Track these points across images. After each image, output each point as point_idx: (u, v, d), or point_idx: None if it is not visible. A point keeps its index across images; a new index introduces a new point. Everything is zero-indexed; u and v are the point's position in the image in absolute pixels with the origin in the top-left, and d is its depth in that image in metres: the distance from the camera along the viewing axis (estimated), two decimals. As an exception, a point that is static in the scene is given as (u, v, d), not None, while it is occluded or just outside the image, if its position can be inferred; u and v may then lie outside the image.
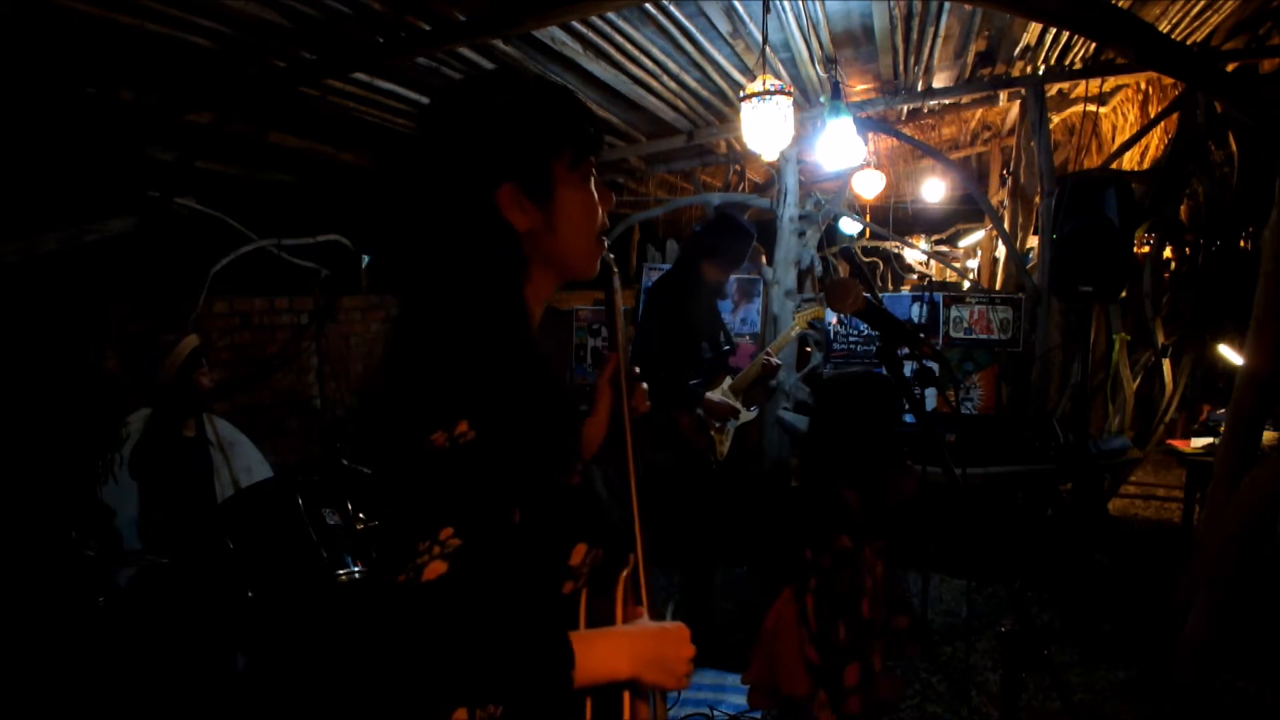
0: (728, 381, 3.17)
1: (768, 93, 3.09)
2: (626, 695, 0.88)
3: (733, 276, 4.81)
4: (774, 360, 3.23)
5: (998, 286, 6.16)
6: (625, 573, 0.95)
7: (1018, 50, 4.07)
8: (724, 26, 3.28)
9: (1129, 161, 5.14)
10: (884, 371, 1.54)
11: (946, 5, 3.39)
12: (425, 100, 3.75)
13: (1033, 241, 5.03)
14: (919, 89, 4.56)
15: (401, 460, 0.79)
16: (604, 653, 0.84)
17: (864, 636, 1.79)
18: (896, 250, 9.60)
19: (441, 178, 0.88)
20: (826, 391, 2.02)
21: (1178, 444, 4.11)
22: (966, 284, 8.58)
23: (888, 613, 1.85)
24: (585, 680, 0.81)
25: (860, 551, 1.80)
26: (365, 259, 4.86)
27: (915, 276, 10.25)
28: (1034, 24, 3.67)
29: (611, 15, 3.00)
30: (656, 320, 3.12)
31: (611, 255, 1.04)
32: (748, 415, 3.21)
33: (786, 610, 1.85)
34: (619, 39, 3.30)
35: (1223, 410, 3.88)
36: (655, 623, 0.93)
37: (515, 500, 0.83)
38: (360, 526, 2.57)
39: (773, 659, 1.85)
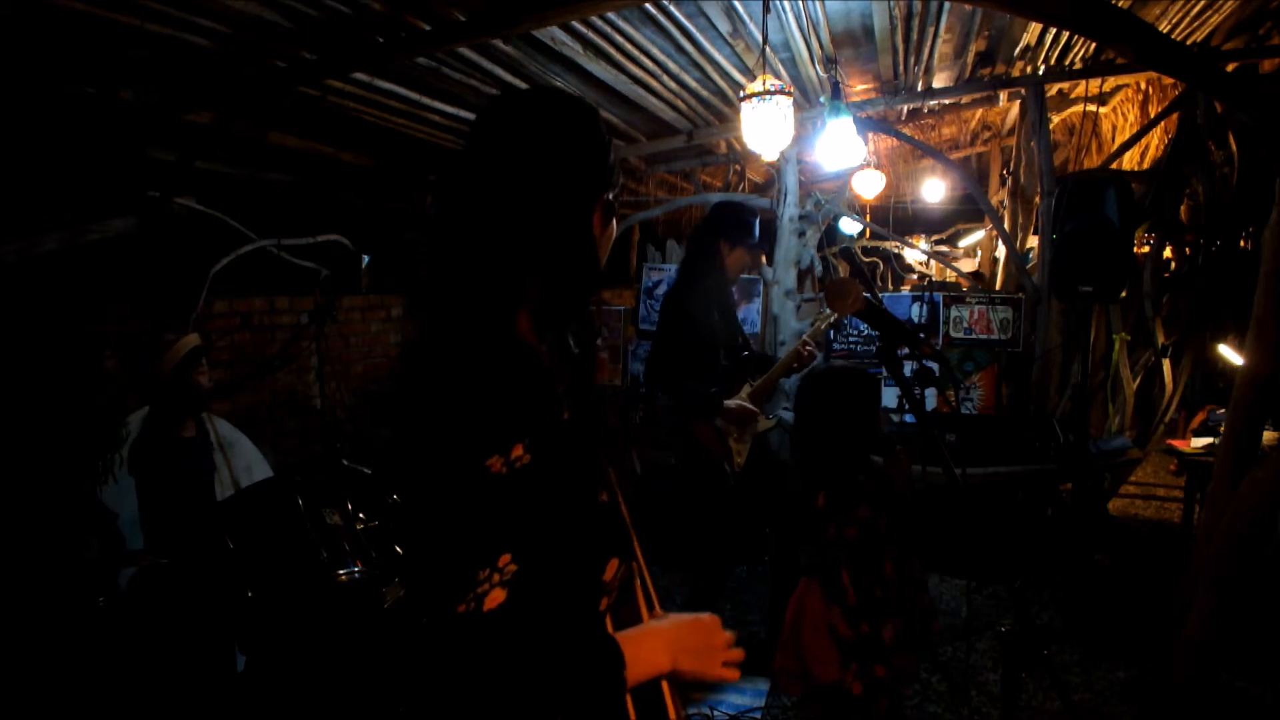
0: (747, 389, 3.10)
1: (768, 93, 3.09)
2: (666, 686, 0.91)
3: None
4: (811, 346, 3.00)
5: (998, 286, 6.16)
6: (639, 584, 0.98)
7: (1018, 50, 4.07)
8: (724, 26, 3.28)
9: (1129, 161, 5.14)
10: (882, 371, 1.57)
11: (946, 5, 3.39)
12: (425, 100, 3.75)
13: (1033, 241, 5.03)
14: (919, 89, 4.56)
15: (452, 485, 0.76)
16: (648, 649, 0.86)
17: (894, 592, 1.85)
18: (896, 250, 9.60)
19: (554, 181, 0.88)
20: (812, 386, 2.07)
21: (1178, 444, 4.11)
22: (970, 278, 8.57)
23: (902, 584, 1.89)
24: (635, 678, 0.83)
25: (879, 520, 1.86)
26: (365, 259, 4.86)
27: (915, 276, 10.25)
28: (1034, 24, 3.66)
29: (611, 15, 3.00)
30: (673, 329, 3.05)
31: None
32: (768, 422, 3.14)
33: (809, 596, 1.89)
34: (619, 39, 3.30)
35: (1223, 410, 3.88)
36: (688, 614, 0.95)
37: (563, 523, 0.84)
38: (360, 526, 2.57)
39: (798, 646, 1.89)
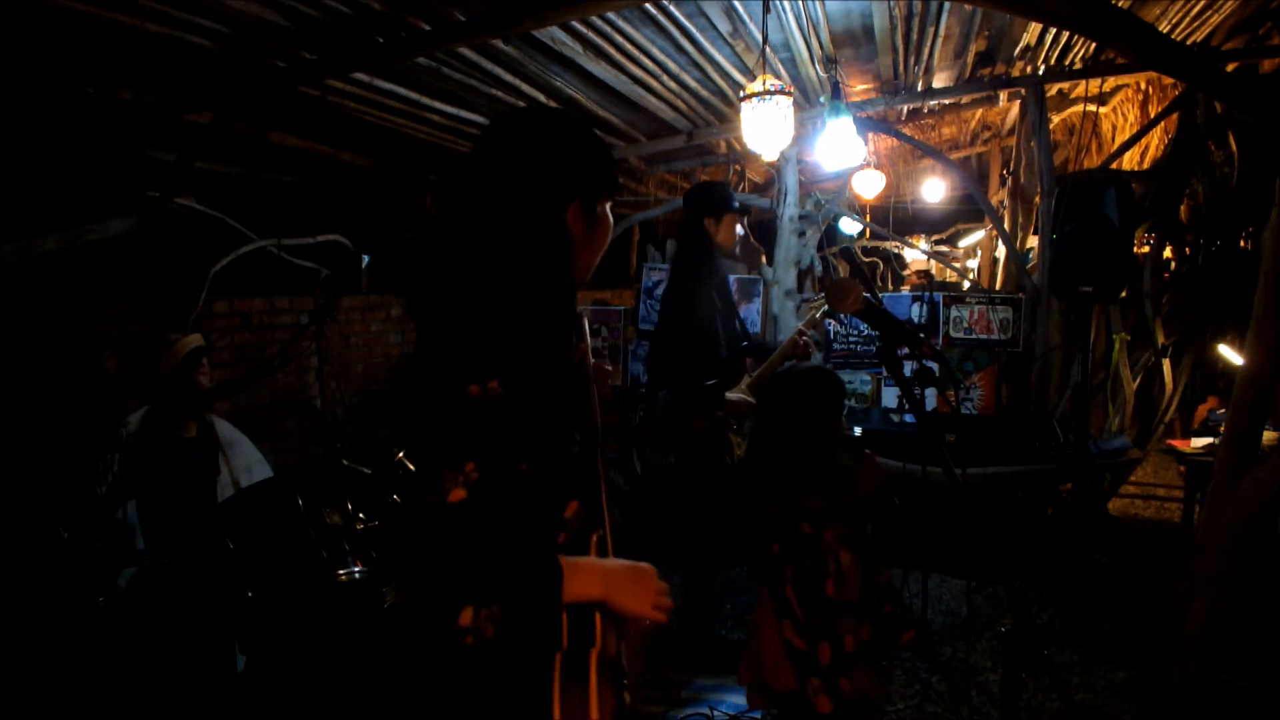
0: (746, 380, 3.04)
1: (768, 93, 3.09)
2: (598, 616, 1.02)
3: (734, 278, 4.83)
4: (807, 336, 2.95)
5: (998, 286, 6.16)
6: (596, 535, 1.11)
7: (1018, 50, 4.07)
8: (724, 26, 3.28)
9: (1129, 161, 5.14)
10: (882, 371, 1.56)
11: (946, 5, 3.39)
12: (425, 100, 3.75)
13: (1033, 241, 5.03)
14: (919, 89, 4.56)
15: (440, 403, 0.96)
16: (582, 574, 1.00)
17: (832, 617, 1.83)
18: (896, 250, 9.60)
19: (526, 185, 1.06)
20: (772, 388, 2.05)
21: (1178, 444, 4.11)
22: (966, 284, 8.58)
23: (865, 597, 1.87)
24: (570, 596, 0.97)
25: (820, 536, 1.84)
26: (365, 259, 4.85)
27: (916, 275, 10.26)
28: (1034, 24, 3.67)
29: (611, 15, 3.00)
30: (673, 325, 3.00)
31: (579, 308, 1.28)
32: None
33: (762, 608, 1.89)
34: (619, 39, 3.30)
35: (1223, 410, 3.88)
36: (627, 560, 1.09)
37: (525, 453, 0.99)
38: (360, 526, 2.57)
39: (756, 657, 1.88)
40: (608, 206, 1.16)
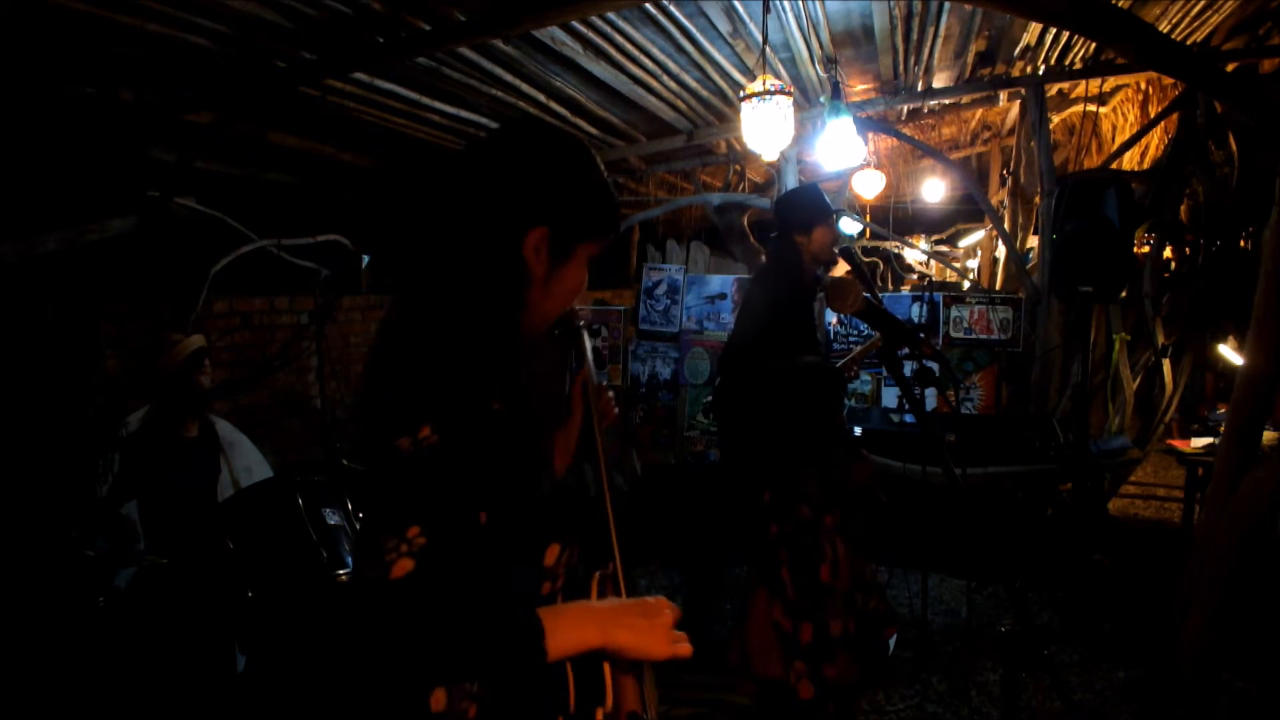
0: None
1: (768, 93, 3.09)
2: (607, 666, 0.90)
3: (734, 278, 4.83)
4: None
5: (998, 286, 6.16)
6: (599, 573, 0.99)
7: (1018, 50, 4.07)
8: (724, 26, 3.28)
9: (1129, 161, 5.14)
10: (882, 371, 1.57)
11: (946, 5, 3.39)
12: (425, 100, 3.75)
13: (1033, 241, 5.03)
14: (919, 89, 4.56)
15: (375, 462, 0.84)
16: (572, 620, 0.87)
17: (821, 599, 1.84)
18: (896, 250, 9.60)
19: (485, 201, 0.93)
20: (780, 378, 2.05)
21: (1178, 444, 4.11)
22: (966, 284, 8.58)
23: (853, 586, 1.89)
24: (559, 650, 0.85)
25: (820, 521, 1.85)
26: (365, 259, 4.85)
27: (915, 276, 10.25)
28: (1034, 24, 3.67)
29: (611, 15, 3.00)
30: (762, 340, 2.58)
31: (580, 324, 1.20)
32: None
33: (754, 592, 1.89)
34: (619, 39, 3.30)
35: (1223, 410, 3.88)
36: (620, 599, 0.96)
37: (480, 503, 0.88)
38: (360, 526, 2.57)
39: (743, 641, 1.89)
40: (585, 254, 0.98)
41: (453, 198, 0.94)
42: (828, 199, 2.71)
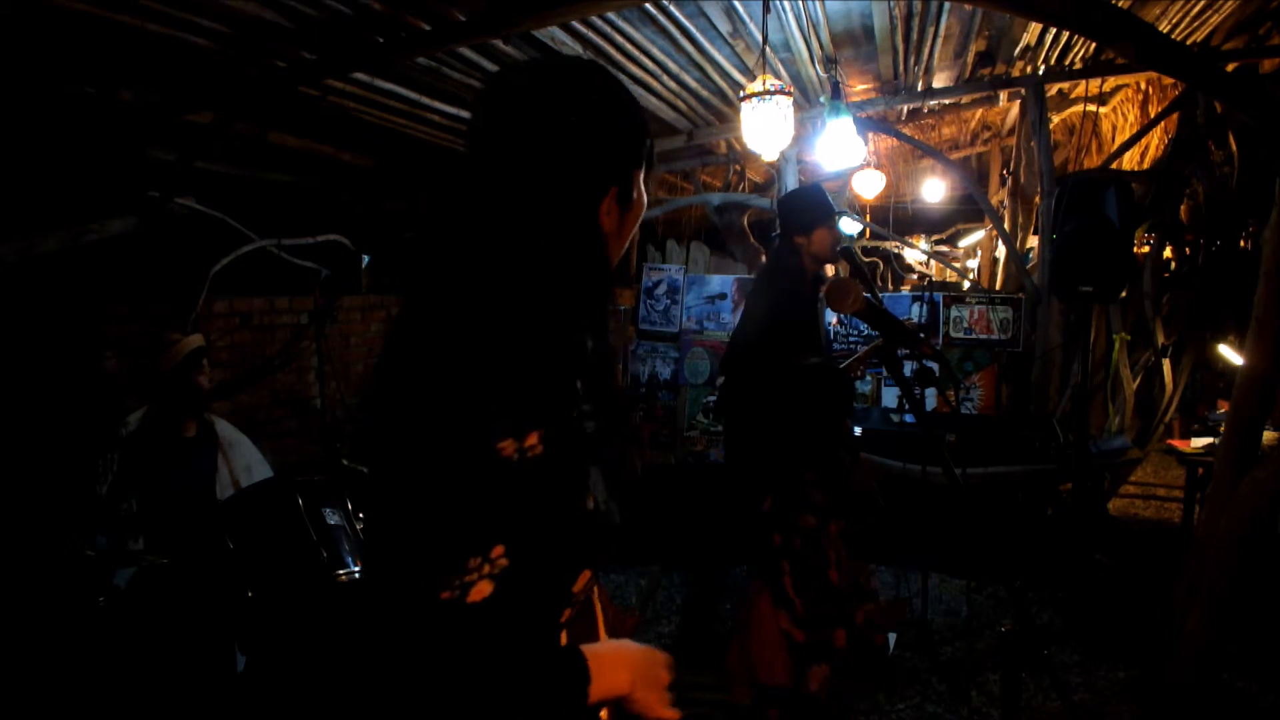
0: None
1: (768, 93, 3.09)
2: (605, 715, 0.85)
3: (734, 278, 4.83)
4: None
5: (998, 286, 6.16)
6: (596, 589, 0.94)
7: (1018, 50, 4.07)
8: (724, 26, 3.28)
9: (1129, 161, 5.14)
10: (882, 371, 1.56)
11: (946, 5, 3.39)
12: (425, 100, 3.75)
13: (1033, 241, 5.04)
14: (919, 89, 4.56)
15: (456, 464, 0.72)
16: (610, 667, 0.81)
17: (841, 602, 1.84)
18: (896, 250, 9.60)
19: (551, 172, 0.81)
20: (780, 380, 2.04)
21: (1178, 444, 4.11)
22: (966, 284, 8.58)
23: (854, 589, 1.89)
24: (596, 696, 0.79)
25: (825, 528, 1.84)
26: (365, 259, 4.86)
27: (915, 276, 10.26)
28: (1034, 24, 3.67)
29: (611, 15, 3.00)
30: (766, 340, 2.60)
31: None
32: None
33: (759, 599, 1.88)
34: (619, 39, 3.30)
35: (1223, 410, 3.88)
36: (637, 644, 0.90)
37: (555, 523, 0.78)
38: (360, 526, 2.57)
39: (745, 650, 1.88)
40: (642, 180, 0.89)
41: (517, 174, 0.81)
42: (830, 200, 2.71)
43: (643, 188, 0.90)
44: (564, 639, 0.87)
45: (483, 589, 0.71)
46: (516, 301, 0.78)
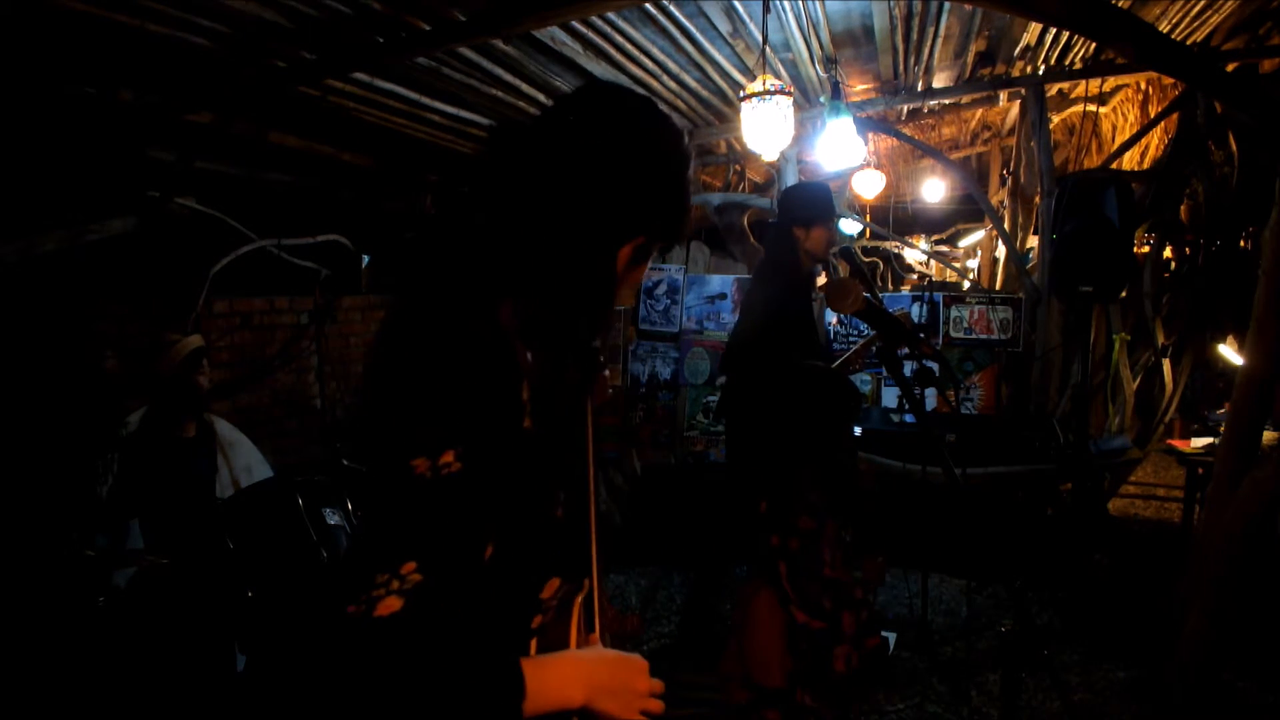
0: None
1: (768, 93, 3.09)
2: None
3: (734, 278, 4.83)
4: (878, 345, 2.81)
5: (998, 286, 6.16)
6: (580, 597, 0.91)
7: (1018, 50, 4.07)
8: (724, 26, 3.28)
9: (1129, 161, 5.14)
10: (882, 371, 1.56)
11: (946, 5, 3.39)
12: (425, 100, 3.74)
13: (1033, 241, 5.03)
14: (919, 89, 4.56)
15: (377, 480, 0.73)
16: (557, 678, 0.80)
17: (841, 593, 1.83)
18: (896, 250, 9.60)
19: (593, 201, 0.82)
20: (789, 384, 2.03)
21: (1178, 444, 4.11)
22: (966, 284, 8.58)
23: (847, 590, 1.88)
24: (536, 708, 0.77)
25: (824, 530, 1.84)
26: (365, 259, 4.86)
27: (915, 276, 10.26)
28: (1034, 24, 3.67)
29: (611, 15, 3.00)
30: (764, 332, 2.69)
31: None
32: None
33: (756, 600, 1.86)
34: (619, 39, 3.30)
35: (1223, 410, 3.88)
36: (613, 651, 0.89)
37: (489, 537, 0.78)
38: (348, 547, 2.57)
39: (742, 651, 1.86)
40: (653, 250, 0.91)
41: (548, 194, 0.81)
42: (834, 202, 2.73)
43: (648, 255, 0.91)
44: (533, 647, 0.86)
45: (391, 604, 0.70)
46: (458, 317, 0.77)
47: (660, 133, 0.86)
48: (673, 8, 3.04)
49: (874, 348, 4.41)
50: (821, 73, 4.01)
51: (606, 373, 1.17)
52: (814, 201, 2.72)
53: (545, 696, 0.78)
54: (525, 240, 0.82)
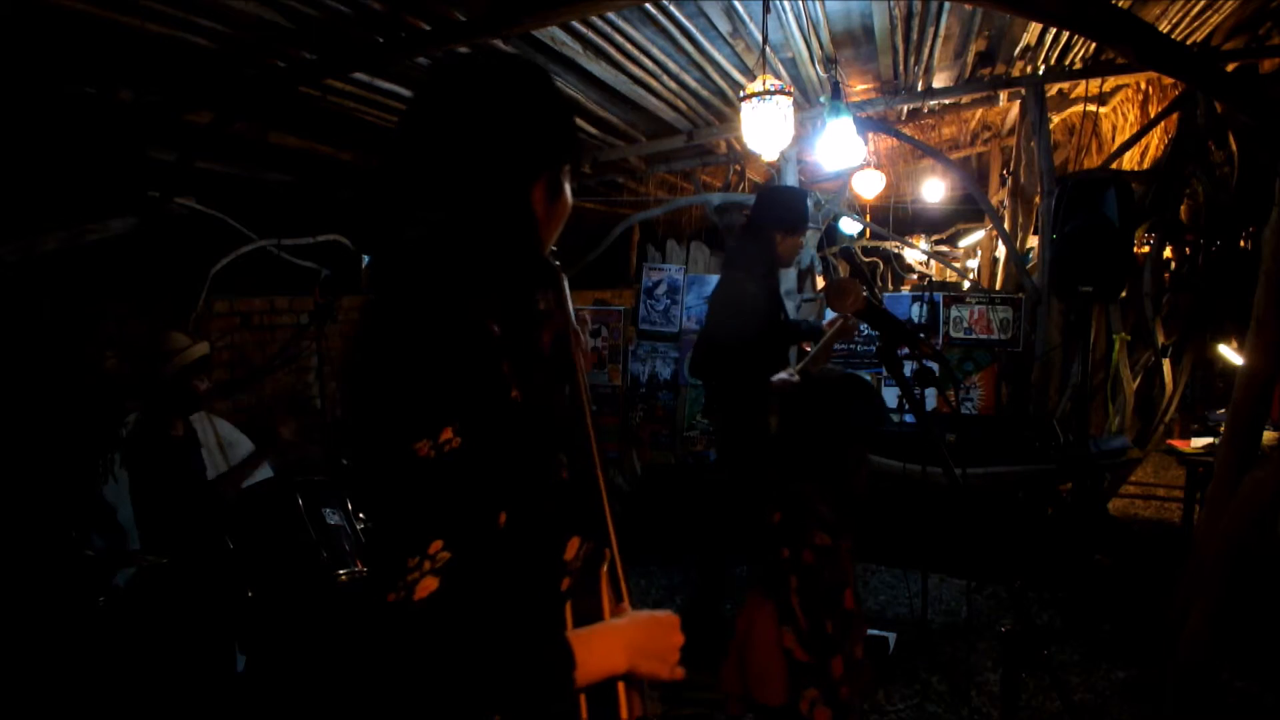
0: (792, 368, 2.92)
1: (768, 93, 3.09)
2: (621, 686, 0.87)
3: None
4: (852, 320, 2.82)
5: (998, 286, 6.16)
6: (604, 568, 0.94)
7: (1018, 50, 4.07)
8: (724, 26, 3.28)
9: (1129, 161, 5.14)
10: (882, 371, 1.55)
11: (946, 5, 3.40)
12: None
13: (1033, 241, 5.03)
14: (919, 89, 4.56)
15: (384, 471, 0.75)
16: (601, 649, 0.83)
17: (848, 628, 1.78)
18: (896, 250, 9.60)
19: (486, 158, 0.85)
20: (809, 390, 1.96)
21: (1178, 444, 4.11)
22: (966, 284, 8.59)
23: (858, 623, 1.83)
24: (586, 679, 0.80)
25: (839, 547, 1.78)
26: (365, 259, 4.85)
27: (915, 276, 10.26)
28: (1034, 24, 3.67)
29: (611, 15, 3.00)
30: (730, 322, 2.87)
31: (557, 263, 1.06)
32: None
33: (759, 614, 1.79)
34: (619, 39, 3.30)
35: (1223, 410, 3.88)
36: (645, 611, 0.92)
37: (501, 504, 0.80)
38: (360, 526, 2.57)
39: (743, 666, 1.80)
40: (567, 178, 0.93)
41: (447, 163, 0.85)
42: (806, 199, 2.84)
43: (568, 187, 0.93)
44: (569, 611, 0.89)
45: (428, 585, 0.73)
46: (427, 301, 0.79)
47: (530, 76, 0.90)
48: (673, 8, 3.04)
49: (849, 344, 4.43)
50: (821, 73, 4.01)
51: (585, 342, 1.18)
52: (798, 209, 2.83)
53: (593, 666, 0.81)
54: (443, 198, 0.85)
